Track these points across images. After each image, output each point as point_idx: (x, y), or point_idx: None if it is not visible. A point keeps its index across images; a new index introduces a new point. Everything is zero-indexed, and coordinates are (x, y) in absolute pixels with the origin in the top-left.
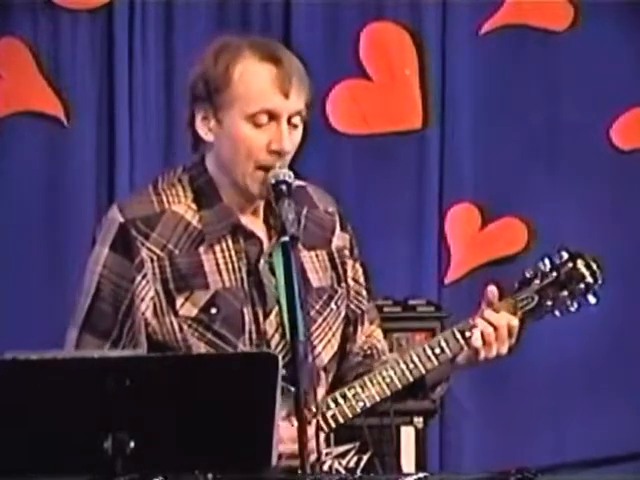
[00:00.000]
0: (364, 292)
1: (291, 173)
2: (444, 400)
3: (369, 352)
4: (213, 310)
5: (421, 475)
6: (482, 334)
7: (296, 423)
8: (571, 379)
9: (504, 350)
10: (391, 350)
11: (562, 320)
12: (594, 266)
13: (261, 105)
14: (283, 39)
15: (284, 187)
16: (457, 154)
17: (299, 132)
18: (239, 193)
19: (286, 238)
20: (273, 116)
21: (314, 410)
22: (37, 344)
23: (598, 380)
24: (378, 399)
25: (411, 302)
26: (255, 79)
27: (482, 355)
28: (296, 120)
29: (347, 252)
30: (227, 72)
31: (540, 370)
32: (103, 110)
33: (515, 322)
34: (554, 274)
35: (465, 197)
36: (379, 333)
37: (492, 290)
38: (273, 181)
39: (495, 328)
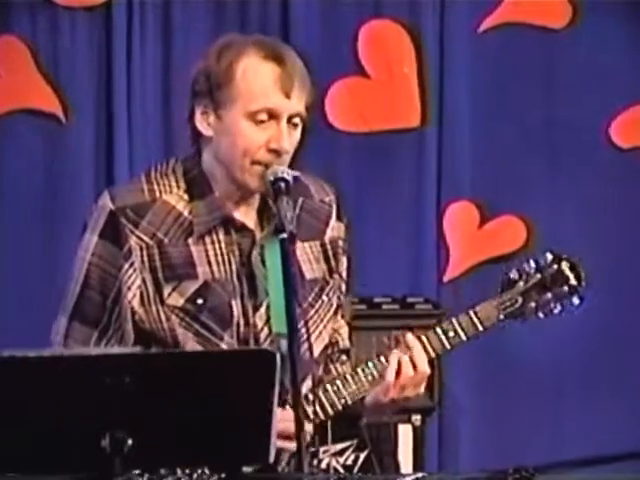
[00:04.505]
0: (343, 286)
1: (289, 170)
2: (442, 398)
3: (328, 350)
4: (199, 301)
5: (419, 475)
6: (399, 368)
7: (293, 419)
8: (568, 378)
9: (412, 393)
10: (390, 348)
11: (559, 319)
12: (578, 268)
13: (263, 104)
14: (281, 37)
15: (282, 184)
16: (455, 152)
17: (298, 132)
18: (235, 186)
19: (284, 235)
20: (274, 115)
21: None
22: (35, 341)
23: (595, 378)
24: (360, 395)
25: (409, 300)
26: (258, 77)
27: (391, 393)
28: (296, 120)
29: (341, 242)
30: (230, 69)
31: (537, 368)
32: (101, 108)
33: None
34: (538, 276)
35: (463, 195)
36: (345, 330)
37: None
38: (271, 178)
39: (415, 367)
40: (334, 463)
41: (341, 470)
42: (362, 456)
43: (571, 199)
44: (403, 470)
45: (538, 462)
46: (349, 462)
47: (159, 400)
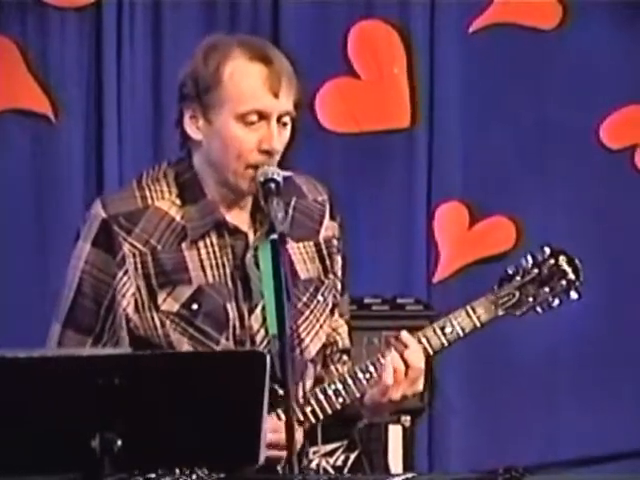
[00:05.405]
0: (339, 285)
1: (279, 171)
2: (432, 398)
3: (327, 350)
4: (194, 306)
5: (409, 475)
6: (394, 370)
7: (282, 419)
8: (560, 377)
9: (410, 392)
10: (381, 350)
11: (551, 319)
12: (576, 263)
13: (252, 105)
14: (272, 37)
15: (272, 185)
16: (445, 153)
17: (288, 130)
18: (227, 189)
19: (275, 236)
20: (263, 115)
21: (301, 403)
22: (26, 343)
23: (588, 378)
24: (358, 395)
25: (400, 300)
26: (245, 79)
27: (389, 393)
28: (285, 119)
29: (335, 241)
30: (217, 72)
31: (529, 369)
32: (91, 108)
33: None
34: (536, 270)
35: (453, 196)
36: (344, 330)
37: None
38: (262, 179)
39: (407, 365)
40: (324, 464)
41: (331, 471)
42: (352, 457)
43: (561, 200)
44: (393, 471)
45: (529, 462)
46: (339, 463)
47: (149, 401)
